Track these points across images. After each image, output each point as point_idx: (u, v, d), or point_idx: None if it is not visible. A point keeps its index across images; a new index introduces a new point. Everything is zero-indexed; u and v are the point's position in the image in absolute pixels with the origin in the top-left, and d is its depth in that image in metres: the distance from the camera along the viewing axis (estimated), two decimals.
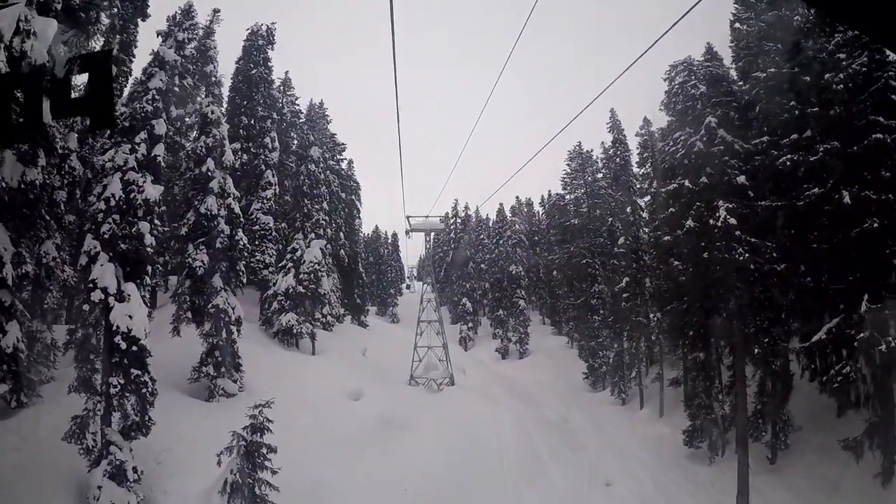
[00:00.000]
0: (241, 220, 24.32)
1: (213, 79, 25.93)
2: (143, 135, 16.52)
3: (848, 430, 19.92)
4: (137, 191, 15.37)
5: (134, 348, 14.38)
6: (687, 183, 22.26)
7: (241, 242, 23.69)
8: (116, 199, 15.46)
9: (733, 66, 26.38)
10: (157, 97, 17.26)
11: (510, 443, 28.10)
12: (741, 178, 21.48)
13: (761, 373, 23.30)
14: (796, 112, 20.31)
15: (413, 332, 38.45)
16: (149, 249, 15.40)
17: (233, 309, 23.42)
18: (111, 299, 14.29)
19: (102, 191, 15.97)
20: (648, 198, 39.65)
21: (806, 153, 20.01)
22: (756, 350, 21.16)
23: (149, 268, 15.93)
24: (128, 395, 14.85)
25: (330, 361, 30.45)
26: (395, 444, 25.08)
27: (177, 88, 18.41)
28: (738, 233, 20.98)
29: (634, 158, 40.40)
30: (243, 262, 24.68)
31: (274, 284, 32.10)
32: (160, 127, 16.91)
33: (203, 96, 25.77)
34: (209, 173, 24.05)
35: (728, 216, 20.94)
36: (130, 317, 14.20)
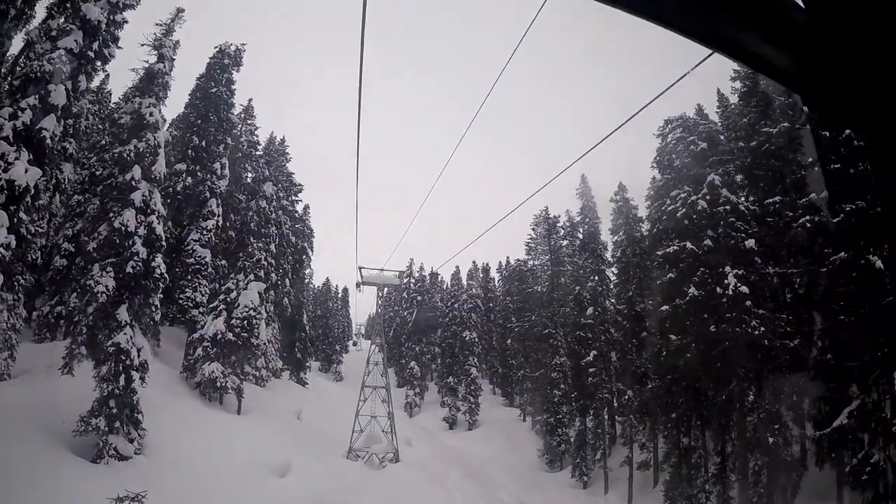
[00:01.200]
0: (163, 243, 19.17)
1: (161, 79, 21.39)
2: (32, 100, 11.83)
3: None
4: (3, 168, 10.48)
5: None
6: (689, 245, 18.95)
7: (159, 270, 18.46)
8: None
9: (721, 128, 24.27)
10: (64, 58, 12.72)
11: None
12: (750, 242, 18.38)
13: (760, 461, 19.51)
14: (815, 169, 17.58)
15: (356, 393, 32.98)
16: (2, 251, 10.33)
17: (138, 351, 17.93)
18: None
19: None
20: (615, 268, 36.89)
21: (827, 213, 17.12)
22: (770, 438, 17.29)
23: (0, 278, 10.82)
24: None
25: (256, 424, 24.57)
26: None
27: (93, 54, 13.91)
28: (748, 303, 17.61)
29: (605, 226, 37.54)
30: (159, 295, 19.37)
31: (202, 327, 26.48)
32: (59, 96, 12.32)
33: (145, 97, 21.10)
34: (133, 182, 19.13)
35: (738, 284, 17.61)
36: None
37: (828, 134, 17.57)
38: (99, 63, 14.81)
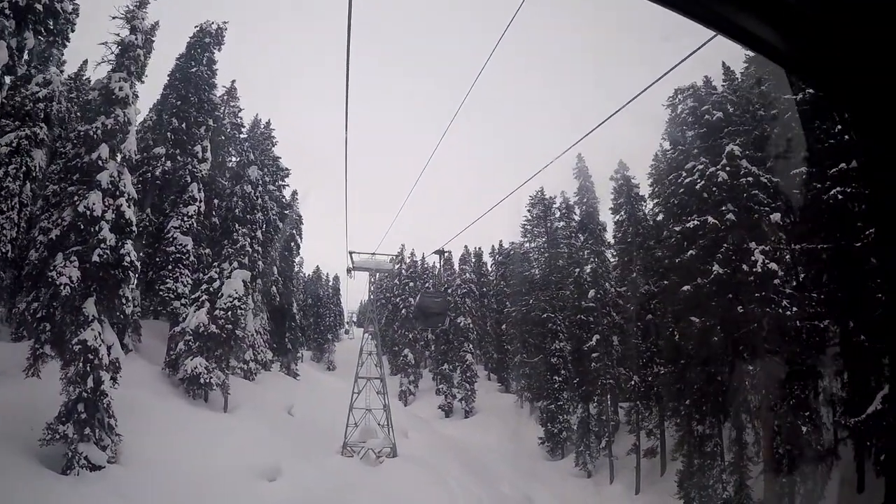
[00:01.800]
0: (133, 229, 17.14)
1: (133, 52, 19.19)
2: None
3: None
4: None
5: None
6: (711, 220, 17.27)
7: (129, 258, 16.42)
8: None
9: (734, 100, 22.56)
10: (8, 12, 10.66)
11: None
12: (775, 216, 16.74)
13: (783, 449, 18.07)
14: (845, 137, 15.91)
15: (350, 383, 31.15)
16: None
17: (108, 349, 15.95)
18: None
19: None
20: (614, 250, 35.37)
21: (858, 185, 15.53)
22: (802, 427, 15.80)
23: None
24: None
25: (245, 421, 22.72)
26: None
27: (41, 8, 11.83)
28: (776, 281, 16.02)
29: (604, 206, 35.82)
30: (132, 286, 17.37)
31: (184, 319, 24.48)
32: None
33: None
34: (100, 162, 17.04)
35: (766, 261, 16.00)
36: None
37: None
38: (49, 21, 12.68)
